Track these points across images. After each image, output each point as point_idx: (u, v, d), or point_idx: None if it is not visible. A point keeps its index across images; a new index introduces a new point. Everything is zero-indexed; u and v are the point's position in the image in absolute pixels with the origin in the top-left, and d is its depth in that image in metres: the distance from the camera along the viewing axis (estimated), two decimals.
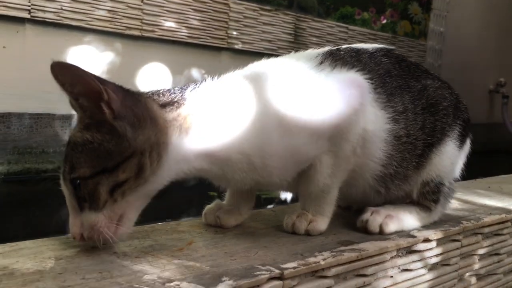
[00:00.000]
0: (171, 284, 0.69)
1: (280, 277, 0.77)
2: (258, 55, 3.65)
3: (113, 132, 0.78)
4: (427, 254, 1.05)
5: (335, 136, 0.94)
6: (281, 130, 0.89)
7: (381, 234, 1.01)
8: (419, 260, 1.04)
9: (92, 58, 2.76)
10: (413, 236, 1.03)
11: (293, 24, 3.79)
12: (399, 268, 1.00)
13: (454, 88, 1.18)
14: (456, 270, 1.14)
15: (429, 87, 1.09)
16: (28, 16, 2.54)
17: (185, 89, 0.91)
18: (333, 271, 0.85)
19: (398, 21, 4.61)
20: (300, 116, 0.90)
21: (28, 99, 2.35)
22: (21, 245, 0.81)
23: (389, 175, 1.03)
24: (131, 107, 0.80)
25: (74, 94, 0.77)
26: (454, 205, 1.33)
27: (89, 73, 0.76)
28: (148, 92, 0.91)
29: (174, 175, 0.85)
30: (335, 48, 1.06)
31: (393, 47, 1.13)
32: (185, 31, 3.15)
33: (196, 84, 0.93)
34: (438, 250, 1.07)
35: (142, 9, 2.92)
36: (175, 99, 0.88)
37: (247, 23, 3.43)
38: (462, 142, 1.14)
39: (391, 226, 1.03)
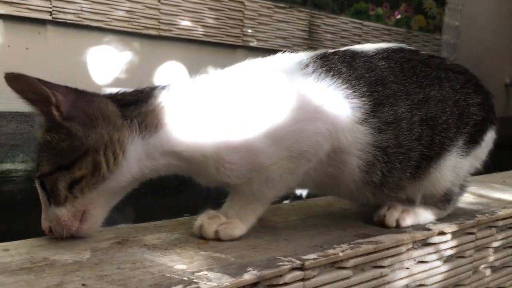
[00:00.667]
0: (200, 273, 0.73)
1: (301, 268, 0.81)
2: (273, 52, 3.68)
3: (67, 132, 0.82)
4: (442, 246, 1.08)
5: (298, 153, 0.90)
6: (245, 137, 0.87)
7: (398, 228, 1.04)
8: (434, 253, 1.07)
9: (111, 58, 2.82)
10: (428, 229, 1.06)
11: (308, 21, 3.82)
12: (414, 260, 1.03)
13: (471, 83, 1.11)
14: (471, 262, 1.17)
15: (431, 99, 1.02)
16: (49, 17, 2.61)
17: (154, 89, 0.91)
18: (351, 262, 0.89)
19: (413, 16, 4.60)
20: (267, 126, 0.87)
21: None
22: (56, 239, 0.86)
23: (372, 182, 1.00)
24: (83, 107, 0.82)
25: (30, 101, 0.82)
26: (468, 199, 1.36)
27: (37, 80, 0.79)
28: (117, 92, 0.92)
29: (138, 172, 0.86)
30: (332, 50, 1.03)
31: (401, 45, 1.09)
32: (201, 29, 3.20)
33: (167, 84, 0.92)
34: (453, 243, 1.11)
35: (159, 9, 2.97)
36: (141, 98, 0.89)
37: (262, 20, 3.47)
38: (471, 147, 1.09)
39: (408, 220, 1.05)
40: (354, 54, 1.01)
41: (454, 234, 1.11)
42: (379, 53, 1.03)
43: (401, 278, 1.00)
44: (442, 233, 1.08)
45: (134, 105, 0.87)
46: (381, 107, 0.96)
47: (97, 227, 0.87)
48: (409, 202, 1.09)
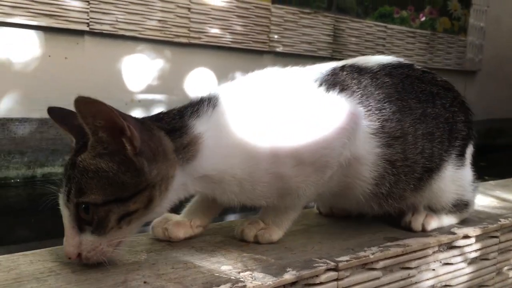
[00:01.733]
0: (245, 273, 0.82)
1: (335, 269, 0.89)
2: (299, 57, 3.79)
3: (128, 164, 0.79)
4: (467, 249, 1.15)
5: (322, 165, 0.94)
6: (271, 160, 0.90)
7: (424, 231, 1.10)
8: (459, 255, 1.13)
9: (144, 65, 2.94)
10: (454, 233, 1.13)
11: (332, 26, 3.88)
12: (440, 262, 1.10)
13: (457, 100, 1.15)
14: (494, 265, 1.23)
15: (428, 116, 1.07)
16: (87, 28, 2.74)
17: (183, 114, 0.91)
18: (381, 264, 0.96)
19: (437, 18, 4.61)
20: (288, 146, 0.91)
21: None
22: None
23: (381, 194, 1.04)
24: (147, 142, 0.81)
25: (95, 127, 0.77)
26: (493, 203, 1.42)
27: (114, 109, 0.76)
28: (153, 116, 0.91)
29: (171, 203, 0.89)
30: (339, 65, 1.05)
31: (399, 60, 1.11)
32: (229, 36, 3.30)
33: (193, 106, 0.92)
34: (477, 246, 1.17)
35: (189, 18, 3.08)
36: (176, 126, 0.88)
37: (288, 26, 3.55)
38: (462, 159, 1.14)
39: (433, 224, 1.12)
40: (360, 70, 1.04)
41: (478, 238, 1.17)
42: (382, 68, 1.05)
43: (428, 279, 1.07)
44: (466, 236, 1.14)
45: (176, 135, 0.87)
46: (388, 123, 1.00)
47: (122, 255, 0.86)
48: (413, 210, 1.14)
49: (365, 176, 1.00)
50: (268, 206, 0.99)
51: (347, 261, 0.91)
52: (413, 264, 1.03)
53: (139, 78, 2.92)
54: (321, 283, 0.87)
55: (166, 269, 0.82)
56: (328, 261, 0.90)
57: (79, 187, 0.77)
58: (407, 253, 1.01)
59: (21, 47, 2.65)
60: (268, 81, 1.01)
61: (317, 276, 0.86)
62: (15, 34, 2.65)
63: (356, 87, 1.00)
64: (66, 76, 2.66)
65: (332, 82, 0.99)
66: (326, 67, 1.04)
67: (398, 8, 4.28)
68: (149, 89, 2.95)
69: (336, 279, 0.89)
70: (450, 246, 1.12)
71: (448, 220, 1.17)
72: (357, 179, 1.00)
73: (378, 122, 0.99)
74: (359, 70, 1.04)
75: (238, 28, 3.34)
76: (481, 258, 1.20)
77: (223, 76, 3.28)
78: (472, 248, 1.16)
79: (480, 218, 1.25)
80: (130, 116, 0.81)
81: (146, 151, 0.80)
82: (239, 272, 0.82)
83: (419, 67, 1.14)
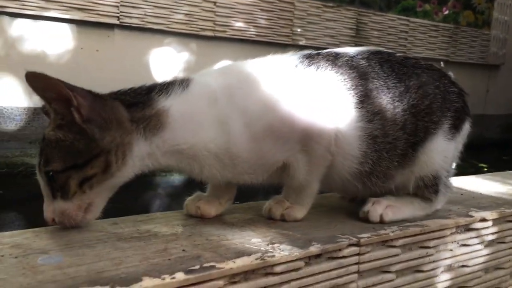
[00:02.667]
0: (274, 245, 0.89)
1: (357, 244, 0.95)
2: (321, 50, 3.81)
3: (82, 133, 0.85)
4: (484, 232, 1.20)
5: (305, 139, 0.97)
6: (247, 134, 0.94)
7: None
8: (476, 237, 1.18)
9: (171, 58, 3.03)
10: (471, 216, 1.18)
11: (355, 19, 3.91)
12: (458, 243, 1.15)
13: (446, 77, 1.17)
14: (510, 248, 1.27)
15: (412, 88, 1.09)
16: (117, 22, 2.84)
17: (151, 91, 0.95)
18: (400, 242, 1.02)
19: (461, 11, 4.60)
20: (266, 121, 0.94)
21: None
22: (153, 216, 1.04)
23: (364, 172, 1.05)
24: (99, 111, 0.87)
25: (47, 99, 0.85)
26: (510, 191, 1.46)
27: (60, 81, 0.83)
28: (117, 91, 0.95)
29: (138, 170, 0.93)
30: (314, 52, 1.08)
31: (379, 48, 1.15)
32: (253, 30, 3.36)
33: (163, 86, 0.96)
34: (494, 229, 1.21)
35: (214, 12, 3.16)
36: (141, 100, 0.92)
37: (311, 20, 3.60)
38: (455, 132, 1.14)
39: (391, 215, 1.07)
40: (337, 54, 1.08)
41: (495, 221, 1.21)
42: (360, 53, 1.09)
43: (445, 258, 1.13)
44: (483, 219, 1.19)
45: (139, 108, 0.91)
46: (366, 98, 1.03)
47: (97, 216, 0.93)
48: (402, 190, 1.14)
49: (351, 154, 1.02)
50: (288, 189, 1.05)
51: (368, 237, 0.97)
52: (431, 243, 1.08)
53: (166, 70, 3.02)
54: (343, 257, 0.93)
55: (201, 240, 0.90)
56: (350, 237, 0.96)
57: (45, 158, 0.86)
58: (425, 233, 1.07)
59: (55, 40, 2.77)
60: (244, 65, 1.05)
61: (340, 250, 0.93)
62: (50, 28, 2.77)
63: (330, 66, 1.03)
64: (97, 68, 2.78)
65: (307, 63, 1.03)
66: (301, 53, 1.07)
67: (421, 1, 4.28)
68: None
69: (358, 254, 0.96)
70: (467, 228, 1.16)
71: (411, 212, 1.12)
72: (345, 158, 1.03)
73: (357, 97, 1.02)
74: (335, 54, 1.07)
75: (262, 21, 3.40)
76: (498, 241, 1.25)
77: None
78: (489, 231, 1.21)
79: (497, 204, 1.30)
80: (80, 88, 0.86)
81: (96, 119, 0.86)
82: (267, 244, 0.89)
83: (401, 54, 1.16)
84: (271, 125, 0.94)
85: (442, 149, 1.12)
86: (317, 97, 0.99)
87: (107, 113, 0.88)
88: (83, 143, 0.85)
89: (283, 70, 1.02)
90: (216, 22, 3.18)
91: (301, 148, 0.98)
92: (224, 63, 3.38)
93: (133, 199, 2.35)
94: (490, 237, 1.22)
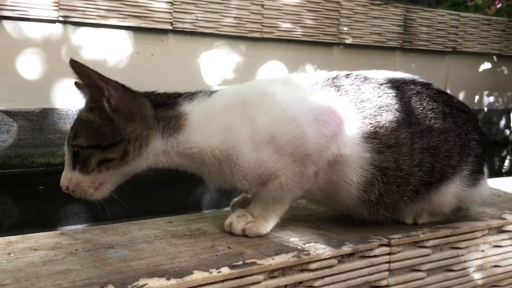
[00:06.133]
0: (310, 244, 0.98)
1: (387, 244, 1.03)
2: (368, 48, 3.85)
3: (109, 120, 0.94)
4: None
5: (301, 157, 0.98)
6: (249, 144, 0.97)
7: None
8: (509, 239, 1.22)
9: (221, 59, 3.16)
10: (504, 219, 1.22)
11: (403, 16, 3.89)
12: (490, 244, 1.20)
13: (472, 122, 1.15)
14: None
15: (434, 131, 1.07)
16: (170, 27, 3.01)
17: (180, 96, 1.03)
18: (430, 242, 1.09)
19: None
20: (269, 132, 0.97)
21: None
22: (202, 215, 1.16)
23: (369, 201, 1.05)
24: (127, 103, 0.95)
25: (86, 84, 0.95)
26: None
27: (95, 72, 0.92)
28: (151, 92, 1.04)
29: (152, 164, 1.00)
30: (344, 73, 1.09)
31: (414, 78, 1.14)
32: (300, 30, 3.44)
33: (191, 93, 1.04)
34: None
35: (262, 14, 3.26)
36: (169, 102, 1.01)
37: (358, 18, 3.62)
38: (476, 177, 1.13)
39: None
40: (365, 79, 1.08)
41: None
42: (391, 81, 1.09)
43: (477, 259, 1.18)
44: None
45: (164, 108, 1.00)
46: (382, 130, 1.02)
47: (105, 196, 1.00)
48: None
49: (351, 180, 1.02)
50: (256, 200, 1.05)
51: (399, 238, 1.05)
52: (462, 244, 1.14)
53: (216, 71, 3.15)
54: (375, 256, 1.02)
55: (245, 239, 1.01)
56: (382, 238, 1.04)
57: (75, 133, 0.97)
58: (455, 235, 1.13)
59: (114, 46, 2.96)
60: (268, 81, 1.10)
61: (371, 249, 1.01)
62: (109, 35, 2.97)
63: (353, 91, 1.05)
64: (152, 71, 2.95)
65: (329, 83, 1.05)
66: (330, 73, 1.09)
67: None
68: (225, 82, 3.18)
69: (389, 253, 1.04)
70: (500, 230, 1.21)
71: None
72: (344, 181, 1.02)
73: (371, 127, 1.02)
74: (363, 79, 1.08)
75: (309, 21, 3.47)
76: None
77: (294, 68, 3.44)
78: None
79: None
80: (114, 81, 0.96)
81: (123, 110, 0.95)
82: (304, 243, 0.99)
83: (436, 87, 1.15)
84: (274, 137, 0.97)
85: (459, 194, 1.11)
86: (329, 120, 0.99)
87: (134, 106, 0.96)
88: (109, 129, 0.95)
89: (302, 88, 1.04)
90: (264, 24, 3.28)
91: (294, 166, 0.99)
92: (271, 63, 3.49)
93: (187, 195, 2.48)
94: None
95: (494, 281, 1.23)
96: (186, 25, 3.04)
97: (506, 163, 4.50)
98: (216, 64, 3.19)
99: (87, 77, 0.93)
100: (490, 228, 1.19)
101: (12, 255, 0.88)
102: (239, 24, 3.22)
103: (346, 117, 1.01)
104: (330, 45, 3.59)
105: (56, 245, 0.93)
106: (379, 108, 1.04)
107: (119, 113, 0.95)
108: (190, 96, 1.03)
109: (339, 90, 1.04)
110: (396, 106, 1.05)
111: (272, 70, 3.32)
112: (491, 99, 4.70)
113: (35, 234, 0.99)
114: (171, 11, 2.93)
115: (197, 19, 3.03)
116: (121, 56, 2.98)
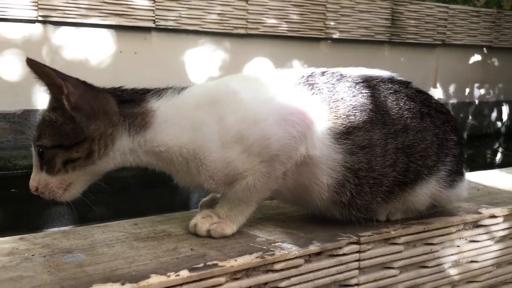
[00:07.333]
0: (276, 244, 0.96)
1: (357, 242, 1.01)
2: (355, 42, 3.83)
3: (71, 118, 0.92)
4: (493, 228, 1.22)
5: (269, 157, 0.96)
6: (217, 143, 0.96)
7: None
8: (485, 233, 1.20)
9: (206, 57, 3.14)
10: (480, 213, 1.20)
11: (390, 9, 3.87)
12: (466, 239, 1.18)
13: (450, 123, 1.13)
14: None
15: (410, 129, 1.05)
16: (153, 25, 2.98)
17: (147, 92, 1.00)
18: (402, 239, 1.07)
19: None
20: (238, 131, 0.95)
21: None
22: (171, 216, 1.13)
23: (341, 202, 1.03)
24: (89, 100, 0.93)
25: (44, 83, 0.93)
26: None
27: (53, 70, 0.90)
28: (118, 87, 1.01)
29: (120, 162, 0.98)
30: (320, 70, 1.07)
31: (392, 75, 1.11)
32: (285, 25, 3.42)
33: (160, 90, 1.01)
34: (505, 225, 1.23)
35: (247, 10, 3.24)
36: (135, 98, 0.99)
37: (344, 12, 3.60)
38: (454, 179, 1.11)
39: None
40: (341, 77, 1.06)
41: (507, 217, 1.23)
42: (367, 80, 1.07)
43: (451, 255, 1.16)
44: (493, 216, 1.21)
45: (130, 104, 0.97)
46: (356, 130, 1.00)
47: (76, 197, 0.99)
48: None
49: (321, 181, 1.00)
50: (223, 200, 1.03)
51: (368, 236, 1.03)
52: (436, 240, 1.12)
53: (201, 69, 3.13)
54: (344, 254, 1.00)
55: (210, 240, 0.98)
56: (351, 235, 1.02)
57: (39, 133, 0.95)
58: (428, 230, 1.11)
59: (96, 45, 2.94)
60: (240, 78, 1.09)
61: (339, 248, 0.99)
62: (91, 34, 2.95)
63: (327, 89, 1.02)
64: (136, 69, 2.94)
65: (303, 81, 1.03)
66: (307, 70, 1.07)
67: None
68: (211, 79, 3.16)
69: (358, 251, 1.02)
70: (476, 225, 1.19)
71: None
72: (314, 183, 1.01)
73: (344, 127, 1.00)
74: (340, 77, 1.06)
75: (294, 16, 3.45)
76: (510, 237, 1.26)
77: (280, 64, 3.38)
78: (499, 227, 1.23)
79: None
80: (74, 78, 0.94)
81: (85, 108, 0.93)
82: (270, 243, 0.97)
83: (415, 86, 1.13)
84: (242, 136, 0.95)
85: (434, 194, 1.10)
86: (298, 120, 0.97)
87: (96, 103, 0.94)
88: (71, 128, 0.93)
89: (273, 86, 1.02)
90: (249, 20, 3.26)
91: (262, 167, 0.97)
92: (257, 59, 3.46)
93: (173, 194, 2.46)
94: (501, 233, 1.24)
95: (471, 277, 1.21)
96: (169, 23, 3.02)
97: (498, 155, 4.49)
98: (201, 62, 3.17)
99: (46, 76, 0.91)
100: (465, 223, 1.17)
101: None
102: (223, 20, 3.20)
103: (317, 117, 0.99)
104: (317, 40, 3.56)
105: (13, 250, 0.91)
106: (353, 108, 1.02)
107: (80, 111, 0.93)
108: (159, 92, 1.01)
109: (312, 88, 1.02)
110: (371, 106, 1.03)
111: (258, 66, 3.31)
112: (482, 91, 4.68)
113: None
114: (154, 8, 2.90)
115: (180, 16, 3.01)
116: (103, 55, 2.95)
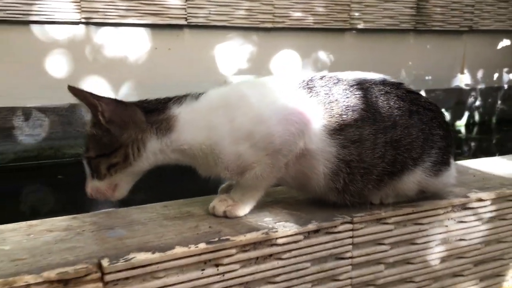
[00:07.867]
0: (280, 223, 1.14)
1: (350, 222, 1.18)
2: (380, 32, 3.89)
3: (107, 131, 1.09)
4: (481, 210, 1.34)
5: (273, 151, 1.12)
6: (231, 139, 1.12)
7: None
8: (472, 215, 1.34)
9: (234, 51, 3.31)
10: (467, 197, 1.33)
11: None
12: (454, 220, 1.32)
13: (437, 119, 1.24)
14: (511, 224, 1.41)
15: (399, 126, 1.18)
16: (185, 22, 3.18)
17: (170, 101, 1.17)
18: (392, 219, 1.23)
19: None
20: (246, 131, 1.11)
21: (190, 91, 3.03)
22: (195, 199, 1.33)
23: (335, 189, 1.18)
24: (120, 114, 1.10)
25: (84, 104, 1.10)
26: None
27: (88, 92, 1.08)
28: (144, 100, 1.18)
29: (153, 162, 1.15)
30: (319, 75, 1.21)
31: (385, 78, 1.24)
32: (311, 18, 3.53)
33: (180, 97, 1.17)
34: (493, 208, 1.36)
35: (273, 4, 3.38)
36: (159, 107, 1.15)
37: (369, 2, 3.67)
38: (439, 169, 1.24)
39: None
40: (338, 81, 1.19)
41: (494, 201, 1.35)
42: (360, 83, 1.20)
43: (440, 233, 1.30)
44: (480, 199, 1.33)
45: (155, 113, 1.14)
46: (348, 127, 1.15)
47: (124, 195, 1.17)
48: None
49: (318, 170, 1.16)
50: (237, 186, 1.21)
51: (361, 216, 1.19)
52: (425, 220, 1.27)
53: (231, 62, 3.30)
54: (339, 232, 1.17)
55: (225, 219, 1.17)
56: (346, 216, 1.19)
57: (86, 147, 1.13)
58: (417, 212, 1.25)
59: (134, 43, 3.17)
60: (249, 84, 1.25)
61: (335, 226, 1.16)
62: (129, 33, 3.17)
63: (324, 92, 1.17)
64: (170, 64, 3.15)
65: (303, 85, 1.18)
66: (307, 75, 1.21)
67: None
68: (240, 72, 3.34)
69: (352, 230, 1.18)
70: (464, 207, 1.32)
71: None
72: (312, 172, 1.17)
73: (337, 125, 1.15)
74: (336, 80, 1.20)
75: (320, 9, 3.54)
76: (499, 218, 1.39)
77: (306, 56, 3.56)
78: (486, 209, 1.35)
79: (502, 184, 1.43)
80: (107, 98, 1.11)
81: (117, 121, 1.10)
82: (275, 222, 1.15)
83: (406, 87, 1.25)
84: (250, 133, 1.11)
85: (420, 182, 1.23)
86: (296, 119, 1.12)
87: (126, 116, 1.11)
88: (108, 138, 1.10)
89: (277, 90, 1.18)
90: (275, 14, 3.39)
91: (267, 158, 1.13)
92: (284, 52, 3.60)
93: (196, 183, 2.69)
94: (489, 215, 1.36)
95: (459, 253, 1.35)
96: (200, 20, 3.20)
97: None
98: (230, 55, 3.34)
99: (84, 98, 1.09)
100: (453, 205, 1.30)
101: (31, 236, 1.08)
102: (251, 15, 3.35)
103: (314, 116, 1.14)
104: (342, 31, 3.66)
105: (68, 227, 1.13)
106: (345, 108, 1.15)
107: (113, 124, 1.10)
108: (179, 99, 1.18)
109: (311, 91, 1.17)
110: (362, 106, 1.16)
111: (285, 58, 3.45)
112: (511, 76, 4.66)
113: (52, 218, 1.19)
114: (185, 7, 3.10)
115: (210, 13, 3.19)
116: (141, 52, 3.19)
